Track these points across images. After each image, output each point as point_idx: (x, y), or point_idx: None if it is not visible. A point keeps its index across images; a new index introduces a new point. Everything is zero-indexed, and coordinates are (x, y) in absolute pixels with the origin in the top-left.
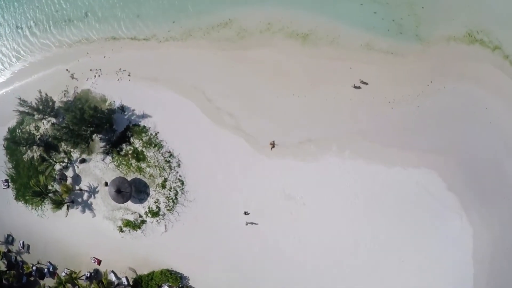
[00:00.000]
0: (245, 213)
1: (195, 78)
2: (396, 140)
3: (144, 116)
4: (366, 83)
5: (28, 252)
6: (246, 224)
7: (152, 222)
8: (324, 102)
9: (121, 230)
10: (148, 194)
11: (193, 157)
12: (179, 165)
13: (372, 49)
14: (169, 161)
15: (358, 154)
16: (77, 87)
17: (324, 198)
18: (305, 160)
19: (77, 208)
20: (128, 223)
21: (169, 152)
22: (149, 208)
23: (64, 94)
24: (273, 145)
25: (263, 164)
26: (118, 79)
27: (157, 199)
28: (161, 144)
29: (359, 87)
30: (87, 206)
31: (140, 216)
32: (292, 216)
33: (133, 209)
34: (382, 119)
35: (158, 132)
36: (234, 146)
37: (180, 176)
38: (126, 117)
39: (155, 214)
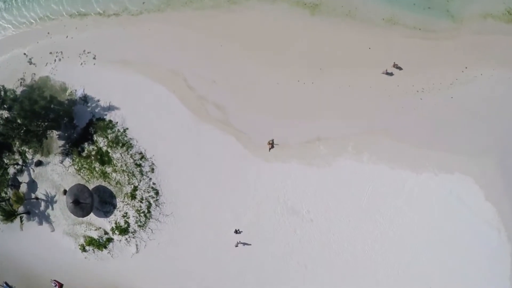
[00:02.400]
0: (236, 232)
1: (174, 61)
2: (426, 138)
3: (110, 108)
4: (400, 68)
5: None
6: (237, 245)
7: (120, 240)
8: (337, 90)
9: (83, 249)
10: (114, 206)
11: (170, 160)
12: (152, 170)
13: (397, 24)
14: (140, 165)
15: (380, 156)
16: (34, 74)
17: (336, 213)
18: (312, 164)
19: (33, 220)
20: (91, 241)
21: (140, 153)
22: (116, 223)
23: (21, 82)
24: (271, 144)
25: (259, 169)
26: (82, 63)
27: (126, 213)
28: (131, 143)
29: (391, 74)
30: (44, 218)
31: (106, 232)
32: (296, 235)
33: (97, 224)
34: (409, 113)
35: (127, 128)
36: (222, 146)
37: (153, 184)
38: (89, 109)
39: (123, 231)
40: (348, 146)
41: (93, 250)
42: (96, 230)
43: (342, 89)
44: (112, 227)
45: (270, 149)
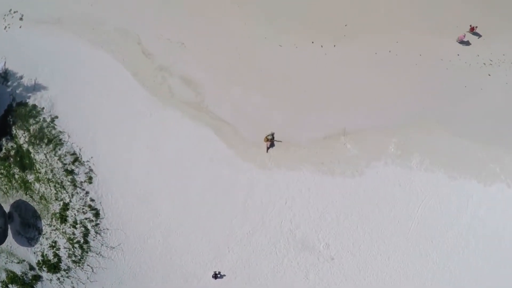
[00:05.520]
0: (216, 276)
1: (124, 16)
2: (496, 133)
3: (36, 87)
4: (479, 35)
5: None
6: None
7: (50, 280)
8: (371, 58)
9: None
10: (39, 231)
11: (117, 164)
12: (90, 180)
13: None
14: (72, 172)
15: (435, 160)
16: None
17: (370, 247)
18: (334, 173)
19: None
20: (14, 278)
21: (73, 153)
22: (43, 255)
23: None
24: (271, 142)
25: (252, 181)
26: (6, 27)
27: (54, 242)
28: (60, 139)
29: (467, 43)
30: None
31: (31, 268)
32: (309, 281)
33: (20, 254)
34: (474, 95)
35: (57, 117)
36: (194, 144)
37: (91, 200)
38: (9, 89)
39: (52, 267)
40: (388, 145)
41: None
42: (18, 263)
43: (379, 57)
44: (39, 260)
45: (268, 148)
